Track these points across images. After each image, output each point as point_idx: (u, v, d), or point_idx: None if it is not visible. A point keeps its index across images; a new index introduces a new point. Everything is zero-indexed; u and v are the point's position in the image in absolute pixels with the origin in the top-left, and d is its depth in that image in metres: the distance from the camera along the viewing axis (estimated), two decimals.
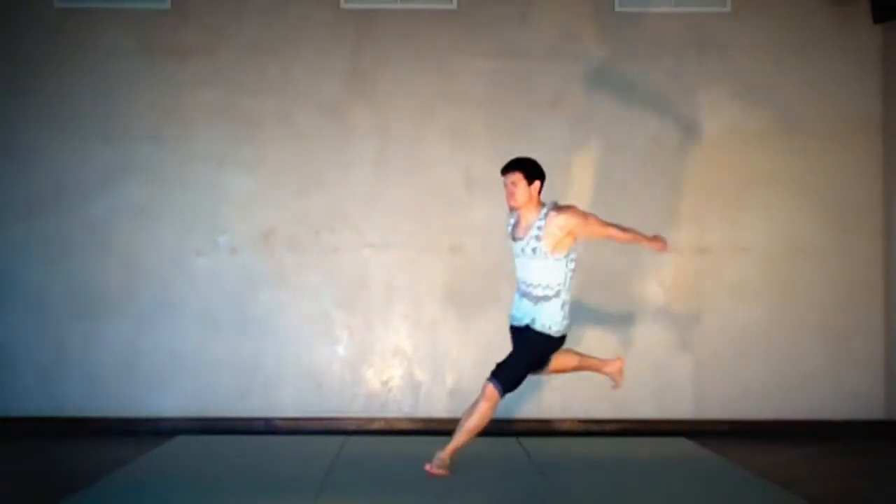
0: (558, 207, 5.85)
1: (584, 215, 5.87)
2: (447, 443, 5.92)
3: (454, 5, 7.85)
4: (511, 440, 7.24)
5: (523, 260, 5.86)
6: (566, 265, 5.84)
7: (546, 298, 5.81)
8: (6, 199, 7.74)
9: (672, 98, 7.83)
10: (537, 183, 5.87)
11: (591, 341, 7.73)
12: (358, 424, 7.70)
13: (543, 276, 5.81)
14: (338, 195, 7.77)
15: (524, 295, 5.88)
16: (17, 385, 7.66)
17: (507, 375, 5.82)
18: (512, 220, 6.00)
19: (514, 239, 5.93)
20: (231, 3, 7.84)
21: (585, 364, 6.28)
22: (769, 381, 7.74)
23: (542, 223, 5.80)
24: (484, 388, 5.81)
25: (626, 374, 6.42)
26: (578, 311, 7.75)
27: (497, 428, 7.58)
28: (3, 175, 7.74)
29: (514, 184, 5.84)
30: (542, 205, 5.87)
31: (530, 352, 5.88)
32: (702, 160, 7.83)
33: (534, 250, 5.81)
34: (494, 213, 7.73)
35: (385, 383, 7.74)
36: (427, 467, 5.87)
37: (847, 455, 6.95)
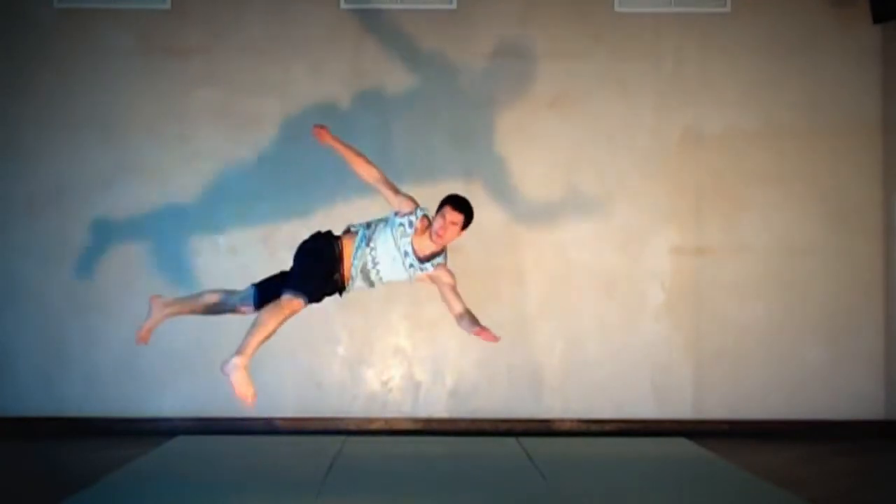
0: (444, 265, 5.90)
1: (451, 277, 5.91)
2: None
3: (454, 5, 7.85)
4: (511, 440, 7.24)
5: (396, 266, 5.89)
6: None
7: None
8: (6, 199, 7.73)
9: (672, 98, 7.84)
10: (462, 233, 5.86)
11: (591, 341, 7.75)
12: (358, 424, 7.70)
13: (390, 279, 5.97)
14: (338, 195, 7.76)
15: None
16: (17, 385, 7.66)
17: None
18: (412, 238, 5.92)
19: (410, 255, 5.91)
20: (231, 3, 7.84)
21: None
22: (769, 381, 7.74)
23: (431, 267, 5.85)
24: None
25: None
26: (578, 311, 7.78)
27: (497, 428, 7.64)
28: (3, 175, 7.74)
29: (454, 223, 5.80)
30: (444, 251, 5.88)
31: None
32: (702, 160, 7.83)
33: (410, 269, 5.89)
34: (494, 214, 7.75)
35: (385, 383, 7.73)
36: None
37: (847, 455, 6.95)
